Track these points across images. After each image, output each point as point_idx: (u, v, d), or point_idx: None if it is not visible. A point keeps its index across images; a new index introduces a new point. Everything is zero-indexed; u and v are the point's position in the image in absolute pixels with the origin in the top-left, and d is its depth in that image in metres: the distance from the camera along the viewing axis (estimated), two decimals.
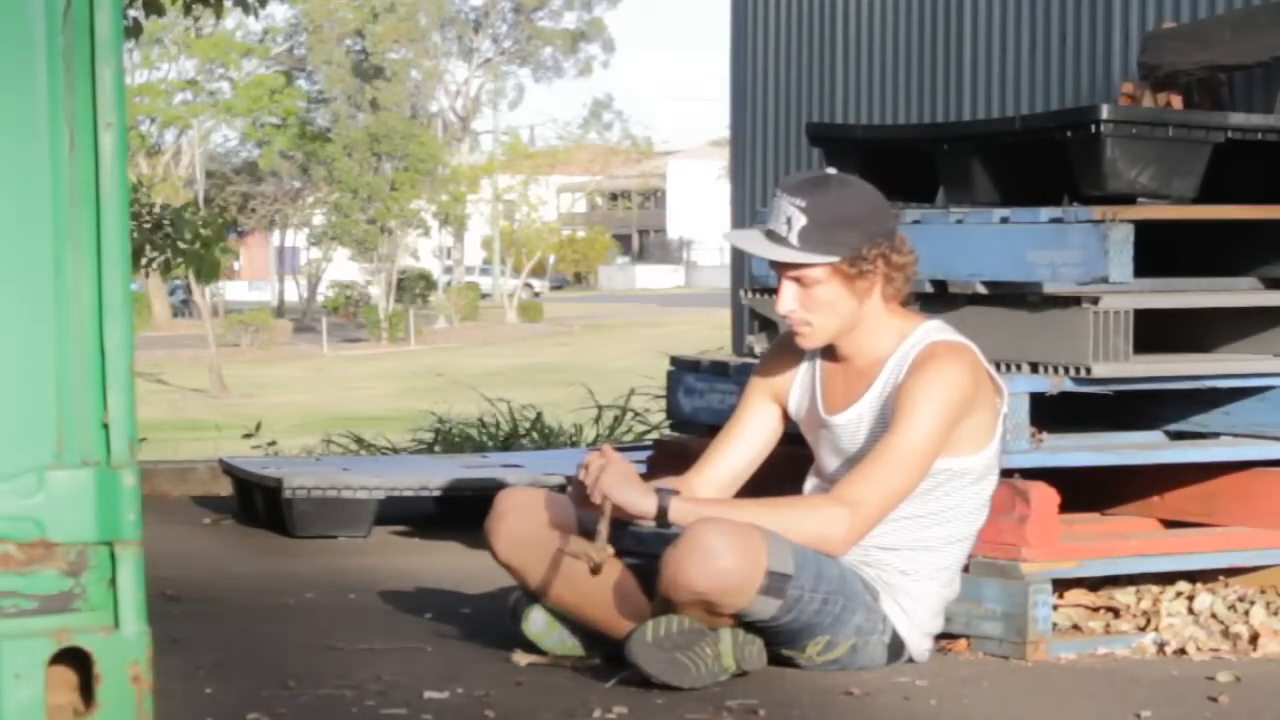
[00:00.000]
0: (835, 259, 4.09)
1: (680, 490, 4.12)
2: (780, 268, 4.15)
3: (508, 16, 64.14)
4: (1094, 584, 4.63)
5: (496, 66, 64.39)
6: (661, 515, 4.01)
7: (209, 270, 10.39)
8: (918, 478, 4.07)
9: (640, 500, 4.01)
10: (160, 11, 10.21)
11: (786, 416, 4.38)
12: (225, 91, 53.57)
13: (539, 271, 70.32)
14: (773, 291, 4.28)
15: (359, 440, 10.24)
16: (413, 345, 50.38)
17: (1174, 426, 4.94)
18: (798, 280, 4.13)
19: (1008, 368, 4.60)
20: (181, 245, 10.10)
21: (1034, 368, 4.59)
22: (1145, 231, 4.55)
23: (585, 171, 75.13)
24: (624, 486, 4.02)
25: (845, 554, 4.09)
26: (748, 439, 4.37)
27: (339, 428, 12.93)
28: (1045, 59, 7.17)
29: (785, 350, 4.37)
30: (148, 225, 10.21)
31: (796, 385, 4.35)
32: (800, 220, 4.08)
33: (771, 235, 4.14)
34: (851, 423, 4.21)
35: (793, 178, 4.22)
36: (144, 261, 10.27)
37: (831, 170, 4.25)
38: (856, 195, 4.16)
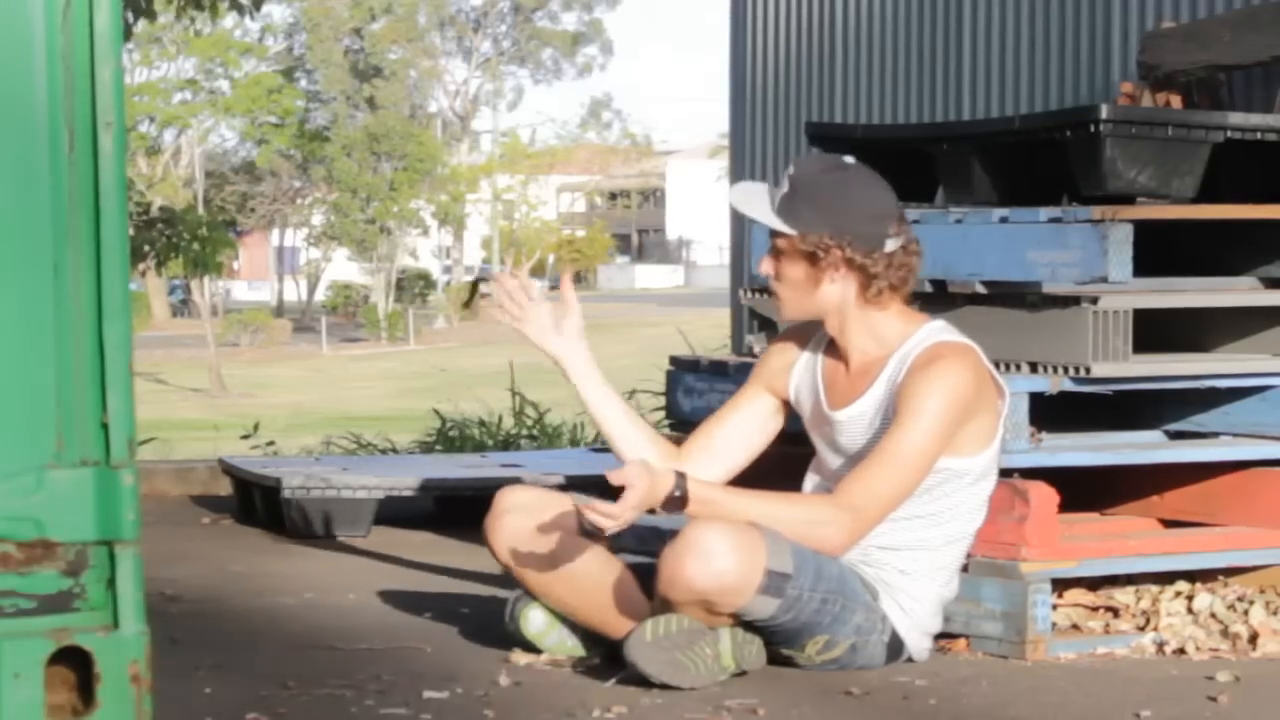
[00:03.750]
0: (792, 232, 4.11)
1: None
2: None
3: (507, 17, 64.14)
4: (1093, 584, 4.63)
5: (496, 67, 64.40)
6: (681, 503, 3.98)
7: (209, 266, 10.37)
8: (919, 479, 4.07)
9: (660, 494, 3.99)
10: (151, 17, 10.19)
11: (787, 410, 4.38)
12: (225, 91, 53.58)
13: (538, 271, 70.32)
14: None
15: (358, 440, 10.23)
16: (412, 345, 50.39)
17: (1173, 426, 4.93)
18: (774, 244, 4.18)
19: (1007, 368, 4.60)
20: (179, 242, 10.09)
21: (1033, 368, 4.59)
22: (1145, 231, 4.54)
23: (584, 171, 75.16)
24: (642, 507, 4.00)
25: (842, 554, 4.09)
26: (738, 425, 4.35)
27: (338, 428, 12.93)
28: (1045, 59, 7.16)
29: (788, 344, 4.38)
30: (142, 223, 10.19)
31: (796, 375, 4.34)
32: (785, 186, 4.14)
33: (771, 194, 4.19)
34: (853, 420, 4.21)
35: (814, 155, 4.26)
36: (139, 259, 10.24)
37: (851, 160, 4.26)
38: (848, 186, 4.16)
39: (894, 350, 4.17)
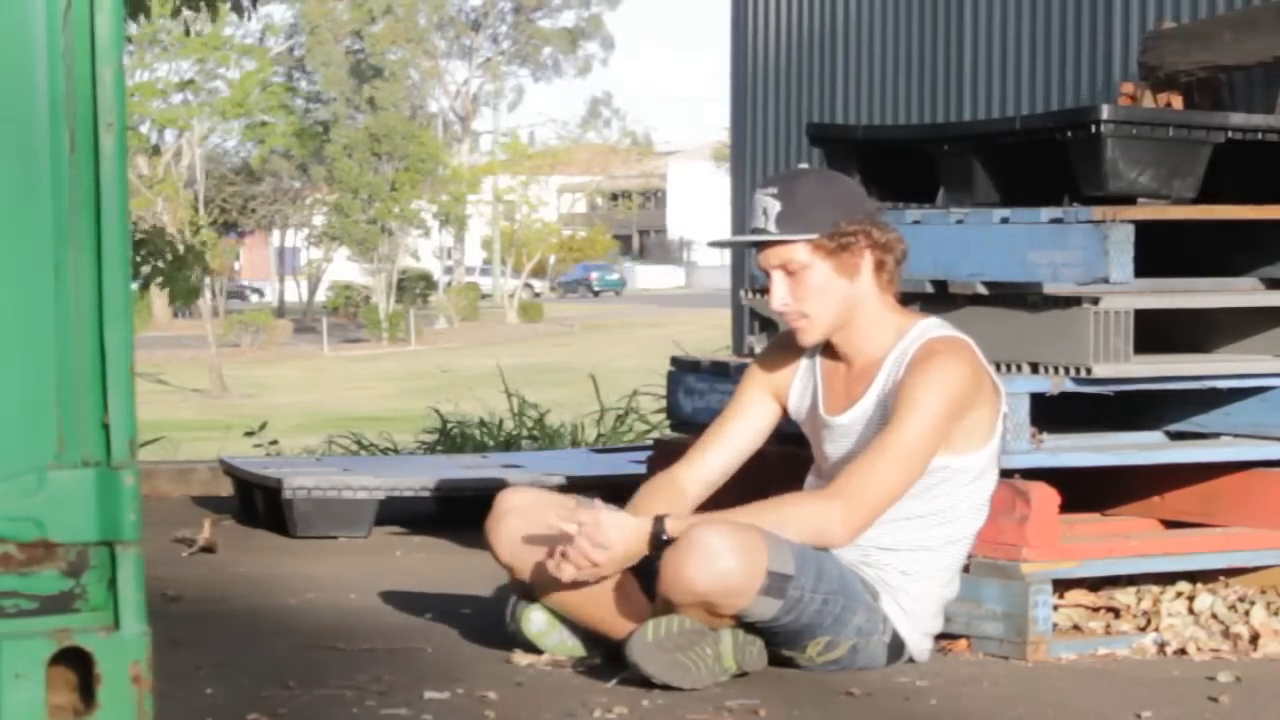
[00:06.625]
0: (815, 235, 4.12)
1: (668, 514, 4.10)
2: (767, 260, 4.18)
3: (507, 17, 64.14)
4: (1094, 584, 4.63)
5: (496, 66, 64.39)
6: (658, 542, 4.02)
7: (185, 293, 10.25)
8: (915, 473, 4.07)
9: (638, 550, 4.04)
10: (145, 14, 10.12)
11: (784, 413, 4.38)
12: (223, 92, 53.49)
13: (539, 272, 70.30)
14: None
15: (360, 441, 10.24)
16: (413, 345, 50.37)
17: (1174, 426, 4.93)
18: (784, 269, 4.16)
19: (1008, 368, 4.60)
20: (160, 265, 10.00)
21: (1034, 368, 4.59)
22: (1145, 231, 4.55)
23: (585, 172, 75.10)
24: (619, 561, 4.03)
25: (846, 545, 4.08)
26: (740, 433, 4.37)
27: (339, 428, 12.93)
28: (1045, 59, 7.17)
29: (784, 348, 4.37)
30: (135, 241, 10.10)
31: (797, 383, 4.35)
32: (776, 206, 4.14)
33: (754, 231, 4.20)
34: (853, 422, 4.21)
35: (767, 177, 4.28)
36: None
37: (804, 165, 4.31)
38: (830, 180, 4.28)
39: (890, 350, 4.18)
